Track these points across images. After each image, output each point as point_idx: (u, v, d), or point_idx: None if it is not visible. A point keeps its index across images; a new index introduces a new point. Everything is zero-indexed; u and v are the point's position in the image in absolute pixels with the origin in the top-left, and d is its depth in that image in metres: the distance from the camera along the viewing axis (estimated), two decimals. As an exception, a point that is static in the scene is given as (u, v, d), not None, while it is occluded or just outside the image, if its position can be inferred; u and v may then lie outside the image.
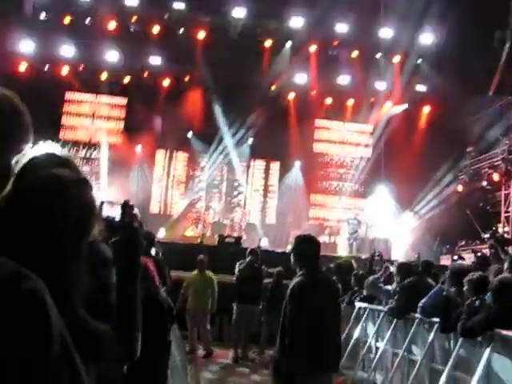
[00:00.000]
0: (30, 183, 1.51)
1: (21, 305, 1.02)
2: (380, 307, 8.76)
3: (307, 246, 5.42)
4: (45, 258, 1.42)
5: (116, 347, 1.83)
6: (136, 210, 2.14)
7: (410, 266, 8.63)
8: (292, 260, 5.42)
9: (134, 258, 1.96)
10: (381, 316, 8.61)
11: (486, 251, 14.00)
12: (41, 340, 1.04)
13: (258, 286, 11.49)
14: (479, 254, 12.18)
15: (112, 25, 21.07)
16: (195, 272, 11.69)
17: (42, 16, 20.82)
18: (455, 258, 14.28)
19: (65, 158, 1.64)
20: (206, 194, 22.96)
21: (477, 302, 5.59)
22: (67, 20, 20.88)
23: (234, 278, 11.49)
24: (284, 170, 23.33)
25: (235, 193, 23.41)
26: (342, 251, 19.01)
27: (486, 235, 12.71)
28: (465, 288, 5.95)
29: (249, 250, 11.82)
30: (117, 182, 20.04)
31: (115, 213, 2.04)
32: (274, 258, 14.22)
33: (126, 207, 2.07)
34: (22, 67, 20.82)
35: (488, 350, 5.34)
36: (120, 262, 1.93)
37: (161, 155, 23.03)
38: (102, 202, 2.06)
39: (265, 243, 19.05)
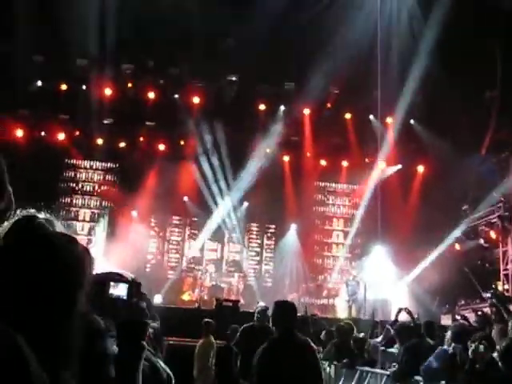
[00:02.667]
0: (15, 244, 1.48)
1: None
2: (382, 371, 8.57)
3: (279, 310, 5.70)
4: (34, 315, 1.37)
5: None
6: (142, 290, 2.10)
7: (409, 327, 8.49)
8: (272, 323, 5.82)
9: (140, 340, 1.91)
10: (384, 379, 8.40)
11: (487, 310, 13.84)
12: None
13: None
14: (480, 313, 12.02)
15: (108, 91, 21.39)
16: (202, 339, 11.55)
17: (39, 83, 21.13)
18: (458, 317, 14.08)
19: (48, 219, 1.62)
20: (202, 257, 22.82)
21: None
22: (63, 86, 21.20)
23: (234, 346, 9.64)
24: (280, 233, 23.28)
25: (231, 256, 23.28)
26: (342, 313, 18.78)
27: (487, 295, 12.59)
28: (470, 349, 5.83)
29: (257, 309, 9.99)
30: (113, 248, 19.91)
31: (121, 290, 2.00)
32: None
33: (134, 286, 2.03)
34: (19, 133, 20.99)
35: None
36: (125, 344, 1.87)
37: (156, 220, 23.00)
38: (109, 279, 2.02)
39: (259, 309, 18.76)
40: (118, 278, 2.12)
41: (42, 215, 1.66)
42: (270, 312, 9.44)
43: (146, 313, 2.01)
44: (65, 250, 1.53)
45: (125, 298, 2.04)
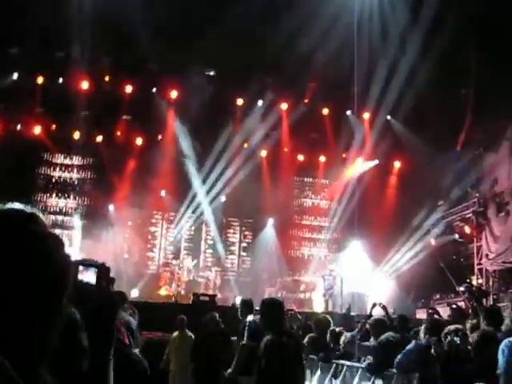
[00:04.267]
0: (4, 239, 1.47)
1: None
2: (358, 364, 8.65)
3: (271, 309, 5.84)
4: (16, 317, 1.37)
5: None
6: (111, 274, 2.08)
7: (384, 321, 8.56)
8: (260, 321, 6.03)
9: (109, 326, 1.89)
10: (359, 372, 8.48)
11: (461, 304, 14.02)
12: None
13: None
14: (455, 307, 12.19)
15: (84, 84, 21.20)
16: (176, 333, 11.52)
17: (15, 76, 20.88)
18: (430, 311, 14.26)
19: (31, 213, 1.61)
20: (179, 252, 22.79)
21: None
22: (40, 80, 20.98)
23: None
24: (257, 228, 23.33)
25: (209, 251, 23.28)
26: (318, 307, 18.87)
27: (462, 289, 12.72)
28: (444, 342, 5.91)
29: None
30: (89, 242, 19.82)
31: (90, 276, 1.97)
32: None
33: (103, 270, 2.00)
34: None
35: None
36: (94, 330, 1.86)
37: (134, 214, 22.88)
38: (78, 264, 2.00)
39: (239, 301, 18.79)
40: (88, 262, 2.11)
41: (28, 209, 1.65)
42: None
43: (115, 298, 2.00)
44: (55, 250, 1.53)
45: (94, 282, 2.02)
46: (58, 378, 1.59)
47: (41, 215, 1.69)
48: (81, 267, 1.99)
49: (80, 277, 1.99)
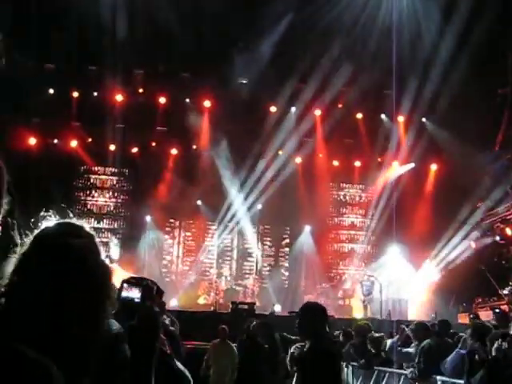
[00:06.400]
0: (42, 252, 1.48)
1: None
2: (400, 370, 8.53)
3: (312, 314, 5.26)
4: (61, 326, 1.37)
5: None
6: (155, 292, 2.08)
7: (426, 326, 8.44)
8: (298, 329, 5.28)
9: (152, 343, 1.89)
10: (401, 379, 8.36)
11: (505, 307, 13.74)
12: None
13: None
14: (498, 311, 11.92)
15: (119, 97, 21.47)
16: (217, 341, 11.43)
17: (50, 91, 21.26)
18: (471, 316, 14.00)
19: (78, 226, 1.62)
20: (217, 261, 22.83)
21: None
22: (75, 94, 21.32)
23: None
24: (294, 235, 23.22)
25: (247, 259, 23.27)
26: (357, 313, 18.71)
27: (505, 292, 12.48)
28: (491, 347, 5.77)
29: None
30: (128, 252, 20.01)
31: (135, 293, 1.98)
32: (287, 323, 13.98)
33: (147, 290, 2.01)
34: (32, 141, 21.10)
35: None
36: (137, 347, 1.85)
37: (171, 224, 23.04)
38: (123, 282, 2.01)
39: (278, 309, 18.79)
40: (133, 281, 2.12)
41: (65, 222, 1.66)
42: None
43: (158, 316, 2.00)
44: (98, 266, 1.53)
45: (138, 300, 2.02)
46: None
47: (79, 224, 1.69)
48: (126, 285, 2.00)
49: (126, 294, 2.00)
